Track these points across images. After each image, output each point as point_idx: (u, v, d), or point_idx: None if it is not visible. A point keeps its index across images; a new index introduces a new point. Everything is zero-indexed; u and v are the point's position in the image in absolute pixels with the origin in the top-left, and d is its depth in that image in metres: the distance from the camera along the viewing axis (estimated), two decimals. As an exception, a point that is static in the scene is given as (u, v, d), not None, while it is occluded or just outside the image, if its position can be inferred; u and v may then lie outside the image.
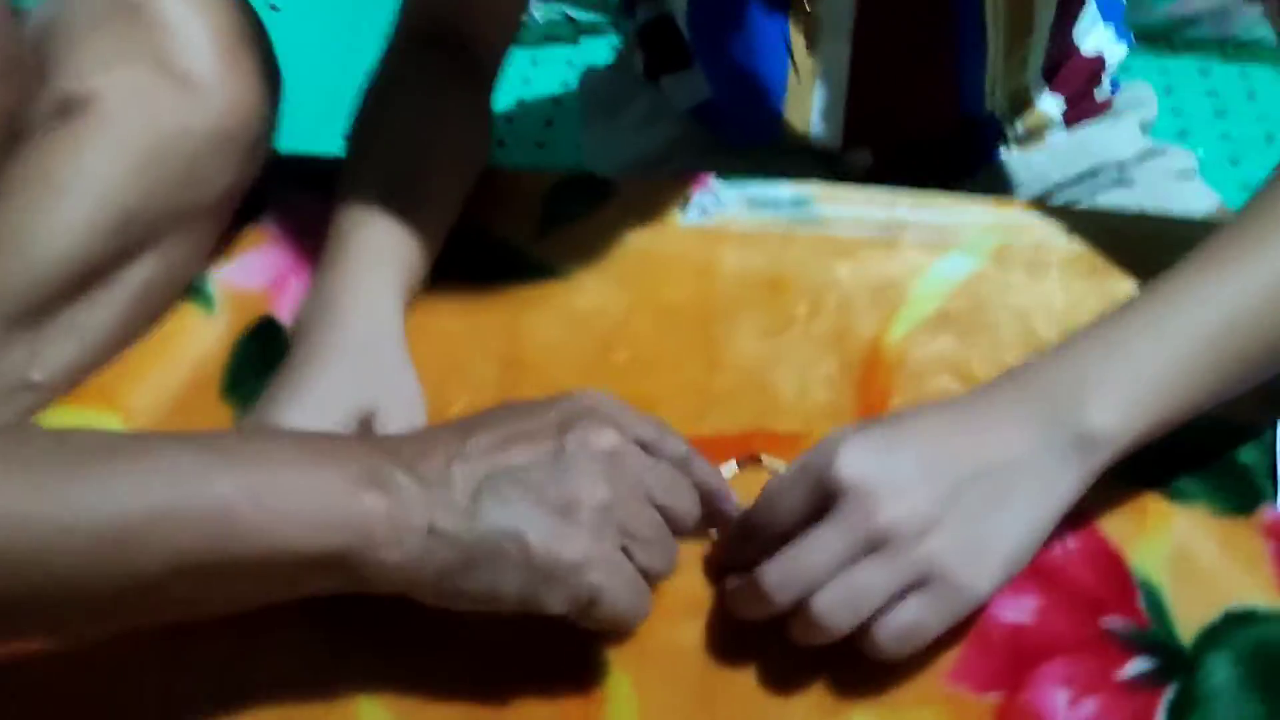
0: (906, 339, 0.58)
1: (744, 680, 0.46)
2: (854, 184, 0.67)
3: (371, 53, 0.65)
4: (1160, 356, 0.44)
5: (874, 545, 0.41)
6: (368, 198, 0.57)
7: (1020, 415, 0.44)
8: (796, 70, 0.73)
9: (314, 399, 0.49)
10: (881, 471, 0.42)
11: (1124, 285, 0.59)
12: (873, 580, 0.41)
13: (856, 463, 0.42)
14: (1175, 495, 0.51)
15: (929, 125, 0.78)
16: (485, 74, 0.67)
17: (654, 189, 0.66)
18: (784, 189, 0.66)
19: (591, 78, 0.91)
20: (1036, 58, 0.77)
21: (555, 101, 1.19)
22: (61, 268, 0.54)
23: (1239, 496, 0.51)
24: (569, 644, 0.47)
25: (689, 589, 0.49)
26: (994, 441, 0.43)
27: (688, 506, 0.45)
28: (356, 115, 0.63)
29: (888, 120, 0.77)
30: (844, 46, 0.72)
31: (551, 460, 0.42)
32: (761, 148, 0.81)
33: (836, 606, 0.42)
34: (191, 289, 0.61)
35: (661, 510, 0.44)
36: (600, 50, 1.33)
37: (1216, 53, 1.27)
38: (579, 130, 0.91)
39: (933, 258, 0.62)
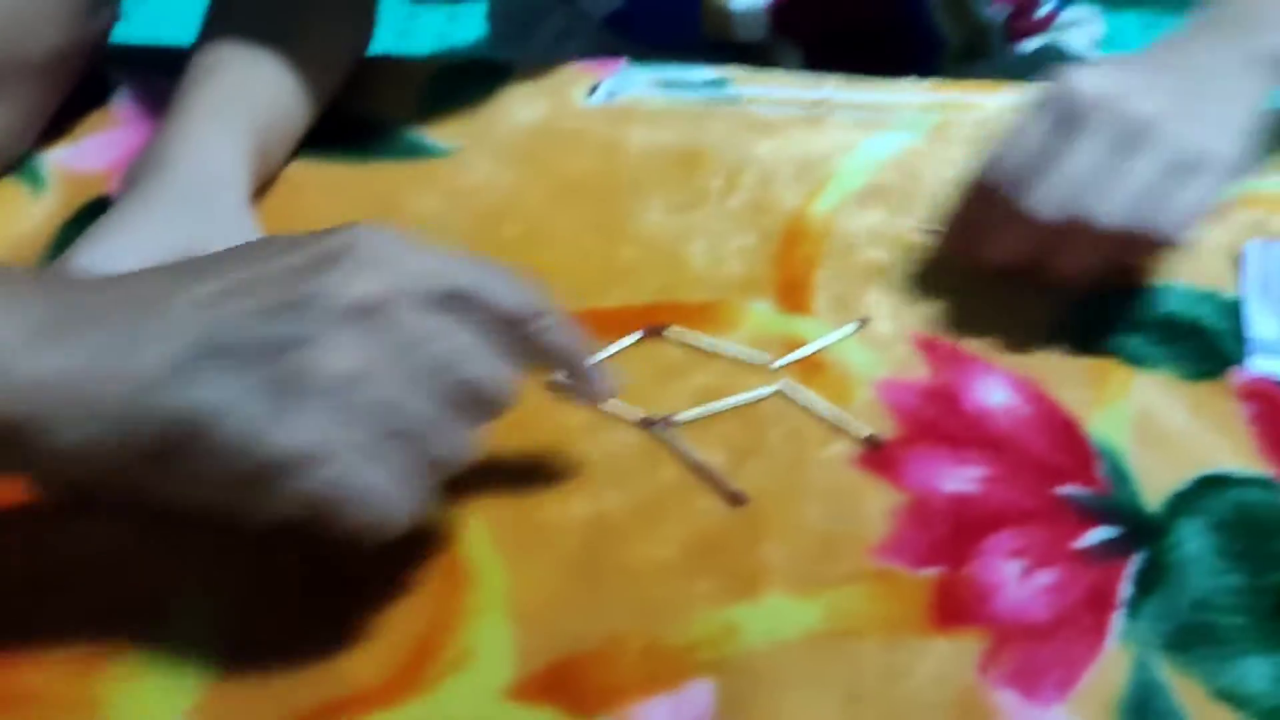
0: (833, 212, 0.51)
1: (638, 559, 0.39)
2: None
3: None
4: None
5: (1132, 141, 0.42)
6: (222, 49, 0.50)
7: (1219, 41, 0.47)
8: None
9: (131, 241, 0.42)
10: (1119, 83, 0.44)
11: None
12: (1146, 168, 0.42)
13: (1095, 80, 0.44)
14: (1137, 361, 0.45)
15: (863, 15, 0.72)
16: None
17: (554, 72, 0.59)
18: (699, 72, 0.60)
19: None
20: None
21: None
22: None
23: (1206, 360, 0.45)
24: (429, 516, 0.39)
25: (577, 459, 0.41)
26: (1204, 58, 0.46)
27: (488, 378, 0.33)
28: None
29: (817, 9, 0.71)
30: None
31: (277, 315, 0.31)
32: (682, 49, 0.75)
33: (1118, 203, 0.42)
34: (20, 166, 0.53)
35: (455, 384, 0.33)
36: None
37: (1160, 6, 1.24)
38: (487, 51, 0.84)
39: (863, 135, 0.55)
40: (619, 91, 0.58)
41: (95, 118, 0.57)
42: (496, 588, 0.38)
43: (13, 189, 0.52)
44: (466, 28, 1.18)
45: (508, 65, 0.60)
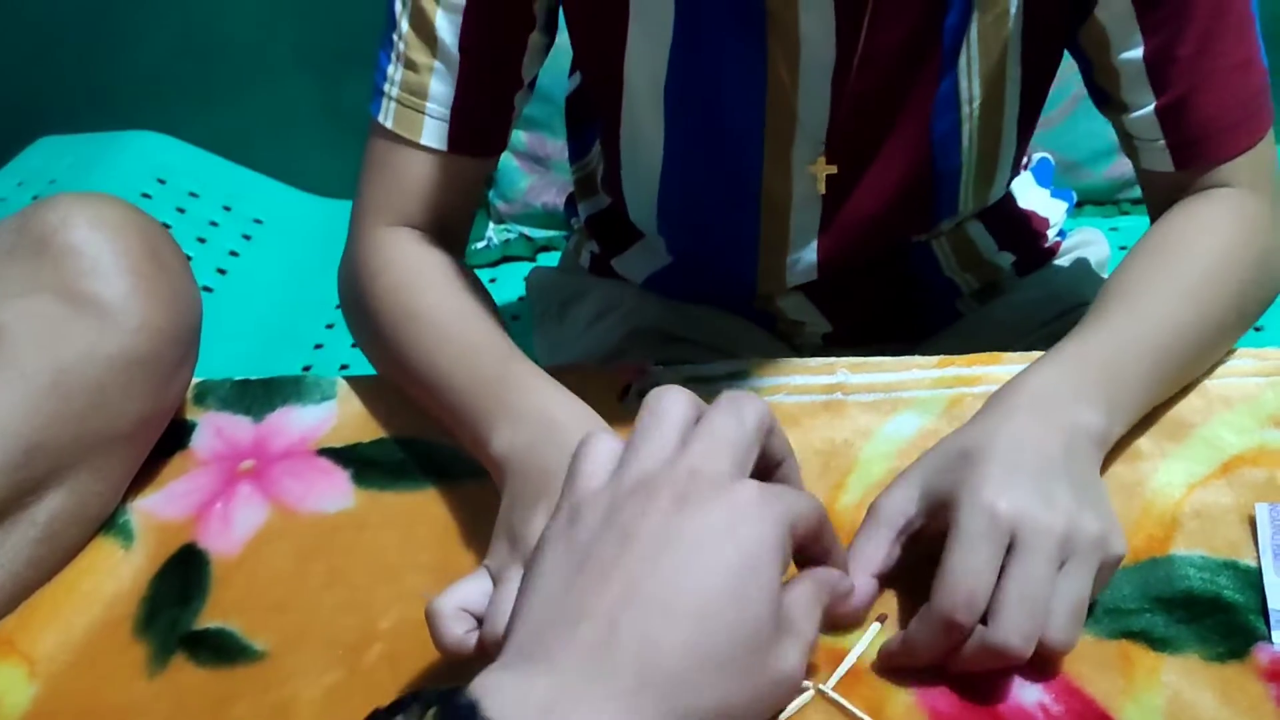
0: (857, 505, 0.54)
1: None
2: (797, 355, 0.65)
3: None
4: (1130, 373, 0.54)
5: (1060, 554, 0.45)
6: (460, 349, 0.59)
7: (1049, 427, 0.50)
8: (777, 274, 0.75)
9: None
10: (1028, 496, 0.46)
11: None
12: (1079, 579, 0.45)
13: (1009, 498, 0.45)
14: (1162, 645, 0.47)
15: (884, 278, 0.77)
16: (461, 242, 0.70)
17: (593, 380, 0.64)
18: (719, 366, 0.64)
19: (539, 277, 0.91)
20: (996, 187, 0.76)
21: (513, 316, 1.19)
22: (-40, 511, 0.51)
23: (1230, 638, 0.46)
24: None
25: None
26: (1053, 440, 0.49)
27: None
28: (373, 306, 0.64)
29: (847, 277, 0.76)
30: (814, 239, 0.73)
31: None
32: (715, 321, 0.80)
33: (1065, 619, 0.44)
34: (109, 522, 0.58)
35: None
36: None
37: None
38: (530, 333, 0.90)
39: (880, 419, 0.59)
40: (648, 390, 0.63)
41: (177, 462, 0.62)
42: None
43: (106, 547, 0.57)
44: (508, 290, 1.26)
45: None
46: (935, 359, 0.63)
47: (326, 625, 0.52)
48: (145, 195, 1.29)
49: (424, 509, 0.58)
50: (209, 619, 0.53)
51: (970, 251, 0.79)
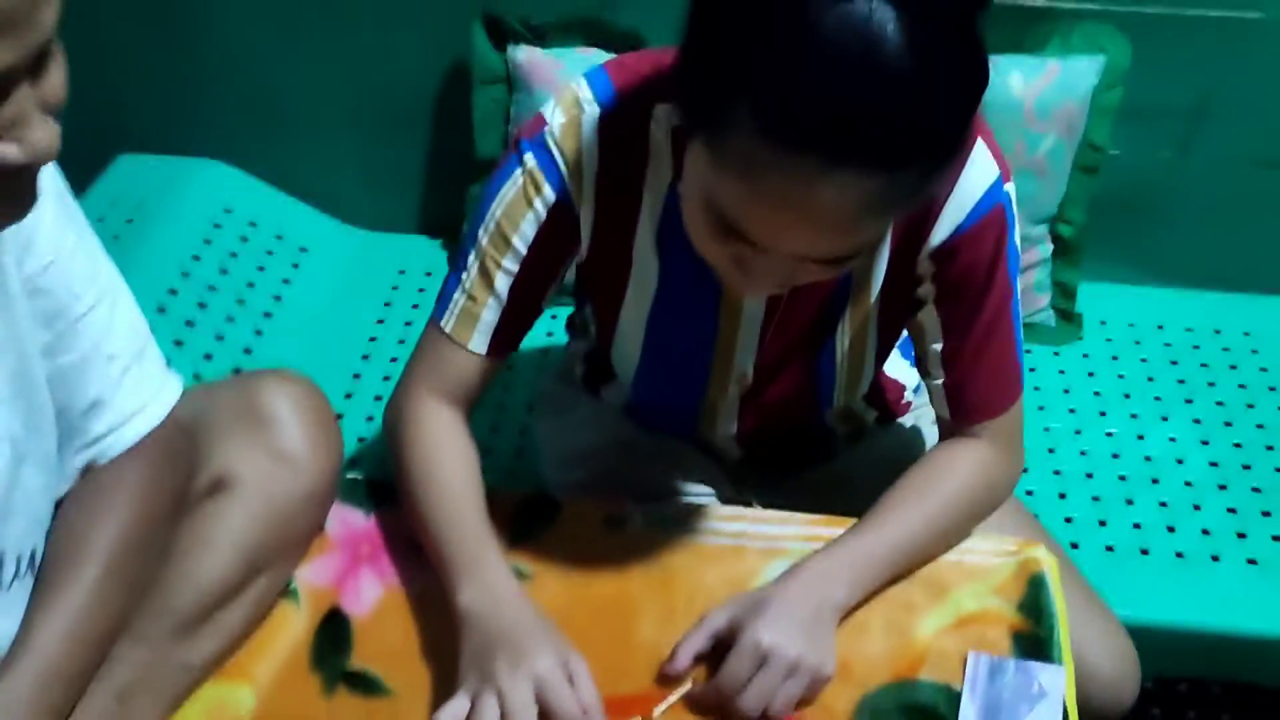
0: (745, 625, 0.92)
1: None
2: (722, 497, 1.01)
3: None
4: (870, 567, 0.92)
5: (790, 671, 0.85)
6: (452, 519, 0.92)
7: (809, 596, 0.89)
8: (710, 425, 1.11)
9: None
10: (782, 634, 0.85)
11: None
12: (795, 685, 0.85)
13: (771, 634, 0.84)
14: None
15: (790, 427, 1.14)
16: (475, 403, 1.01)
17: (582, 511, 1.00)
18: (670, 507, 1.00)
19: (544, 387, 1.25)
20: (860, 390, 1.12)
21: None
22: (213, 593, 0.86)
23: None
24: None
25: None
26: (809, 604, 0.87)
27: None
28: (409, 462, 0.95)
29: (766, 434, 1.12)
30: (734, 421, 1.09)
31: None
32: (669, 442, 1.16)
33: (782, 703, 0.85)
34: (286, 590, 0.93)
35: None
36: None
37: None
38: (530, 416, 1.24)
39: (764, 562, 0.96)
40: (627, 523, 0.99)
41: (319, 542, 0.97)
42: None
43: (285, 608, 0.92)
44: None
45: (560, 504, 1.00)
46: (807, 519, 0.99)
47: (429, 676, 0.88)
48: (217, 226, 1.59)
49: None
50: (356, 662, 0.89)
51: (847, 411, 1.16)
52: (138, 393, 0.84)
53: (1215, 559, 1.31)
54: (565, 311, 1.27)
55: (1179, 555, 1.31)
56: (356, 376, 1.50)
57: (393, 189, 1.72)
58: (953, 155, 0.71)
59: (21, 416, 0.78)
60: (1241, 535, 1.34)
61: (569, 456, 1.18)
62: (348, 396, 1.49)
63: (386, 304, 1.64)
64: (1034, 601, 0.93)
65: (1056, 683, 0.87)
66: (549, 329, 1.62)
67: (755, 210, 0.72)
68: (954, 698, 0.87)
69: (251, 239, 1.62)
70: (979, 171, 0.87)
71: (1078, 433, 1.49)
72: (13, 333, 0.76)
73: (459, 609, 0.87)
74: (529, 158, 0.91)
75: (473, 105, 1.56)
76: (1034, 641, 0.91)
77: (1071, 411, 1.52)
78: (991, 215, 0.88)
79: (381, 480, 1.02)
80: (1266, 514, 1.36)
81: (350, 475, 1.02)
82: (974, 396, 0.96)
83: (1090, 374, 1.58)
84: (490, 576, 0.89)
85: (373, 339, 1.57)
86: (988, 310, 0.92)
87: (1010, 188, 0.89)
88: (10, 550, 0.79)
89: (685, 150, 0.77)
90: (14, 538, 0.79)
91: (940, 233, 0.89)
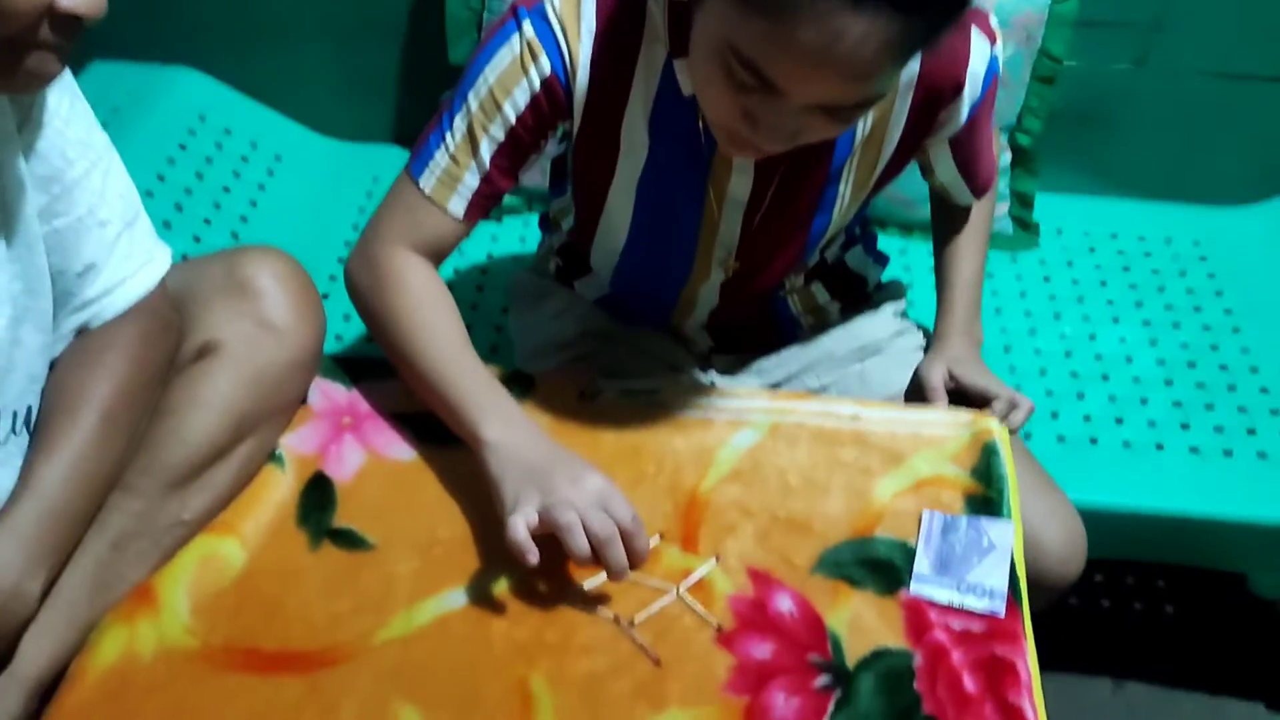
0: (712, 489, 0.96)
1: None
2: (693, 373, 1.06)
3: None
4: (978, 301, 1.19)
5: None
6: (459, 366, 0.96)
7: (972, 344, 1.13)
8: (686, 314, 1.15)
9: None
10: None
11: (848, 451, 0.99)
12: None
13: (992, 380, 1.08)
14: (855, 583, 0.90)
15: (755, 316, 1.18)
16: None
17: (559, 384, 1.04)
18: (641, 383, 1.04)
19: (518, 279, 1.29)
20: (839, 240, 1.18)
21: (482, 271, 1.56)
22: (201, 450, 0.89)
23: (889, 585, 0.90)
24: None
25: (580, 641, 0.86)
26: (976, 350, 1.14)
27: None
28: (396, 310, 0.97)
29: (732, 317, 1.17)
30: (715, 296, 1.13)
31: None
32: (640, 331, 1.20)
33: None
34: (272, 455, 0.97)
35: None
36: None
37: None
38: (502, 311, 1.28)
39: (730, 432, 1.01)
40: (599, 395, 1.03)
41: (302, 413, 1.00)
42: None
43: (272, 470, 0.96)
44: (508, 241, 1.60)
45: (533, 377, 1.04)
46: (770, 393, 1.04)
47: (409, 532, 0.93)
48: (191, 132, 1.60)
49: (461, 461, 0.98)
50: (340, 521, 0.93)
51: (811, 303, 1.20)
52: (130, 259, 0.87)
53: (1160, 447, 1.37)
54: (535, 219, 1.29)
55: (1126, 444, 1.37)
56: (332, 278, 1.53)
57: (366, 98, 1.74)
58: (955, 11, 0.77)
59: (21, 277, 0.81)
60: (1185, 426, 1.40)
61: (543, 345, 1.22)
62: (325, 296, 1.51)
63: (360, 210, 1.66)
64: (985, 466, 0.99)
65: (1005, 537, 0.93)
66: (522, 235, 1.66)
67: (779, 50, 0.75)
68: (909, 552, 0.92)
69: (226, 146, 1.64)
70: (978, 56, 0.97)
71: (1032, 332, 1.54)
72: (12, 194, 0.79)
73: (486, 443, 0.91)
74: (527, 25, 0.93)
75: (445, 12, 1.58)
76: (984, 501, 0.96)
77: (1027, 314, 1.57)
78: (993, 83, 1.01)
79: (360, 358, 1.06)
80: (1209, 407, 1.42)
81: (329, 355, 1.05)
82: (982, 174, 1.13)
83: (1046, 279, 1.63)
84: (513, 412, 0.94)
85: (347, 244, 1.60)
86: (984, 120, 1.07)
87: (998, 48, 1.00)
88: (8, 406, 0.83)
89: (693, 13, 0.81)
90: (12, 394, 0.83)
91: (958, 119, 1.01)
